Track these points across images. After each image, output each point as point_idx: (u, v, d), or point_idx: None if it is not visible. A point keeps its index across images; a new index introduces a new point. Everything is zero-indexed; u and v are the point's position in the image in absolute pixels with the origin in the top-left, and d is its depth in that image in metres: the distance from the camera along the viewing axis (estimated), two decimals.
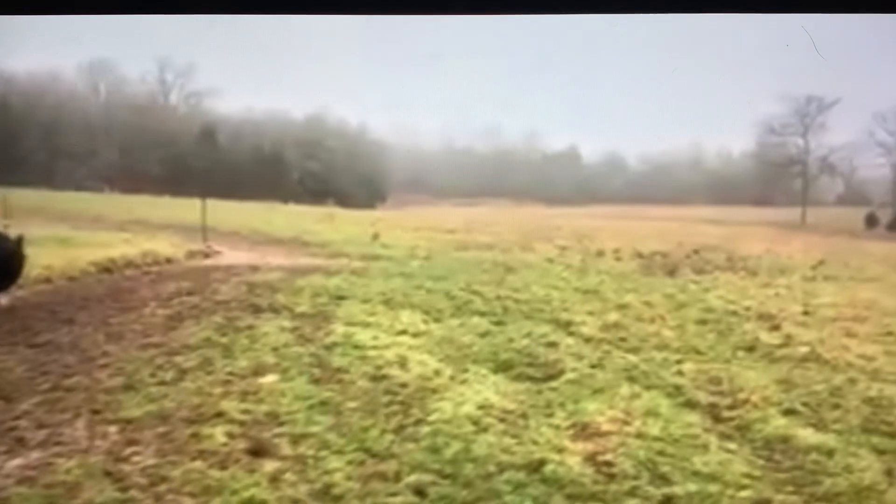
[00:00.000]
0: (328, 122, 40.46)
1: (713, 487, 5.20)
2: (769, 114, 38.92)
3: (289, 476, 5.22)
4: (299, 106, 39.81)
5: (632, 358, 8.79)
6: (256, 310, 10.39)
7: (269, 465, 5.37)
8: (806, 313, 11.65)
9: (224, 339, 8.77)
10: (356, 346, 8.58)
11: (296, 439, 5.87)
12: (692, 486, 5.18)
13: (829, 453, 5.96)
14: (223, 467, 5.37)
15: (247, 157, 36.63)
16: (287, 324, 9.64)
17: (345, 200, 35.62)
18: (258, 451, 5.63)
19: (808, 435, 6.37)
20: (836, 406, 7.26)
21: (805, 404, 7.28)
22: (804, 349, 9.36)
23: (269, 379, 7.37)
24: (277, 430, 6.08)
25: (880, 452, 6.05)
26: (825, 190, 42.11)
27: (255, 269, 14.19)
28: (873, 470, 5.60)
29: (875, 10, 2.75)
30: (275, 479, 5.19)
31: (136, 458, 5.50)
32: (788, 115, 38.48)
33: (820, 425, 6.73)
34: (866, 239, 30.68)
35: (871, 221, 36.22)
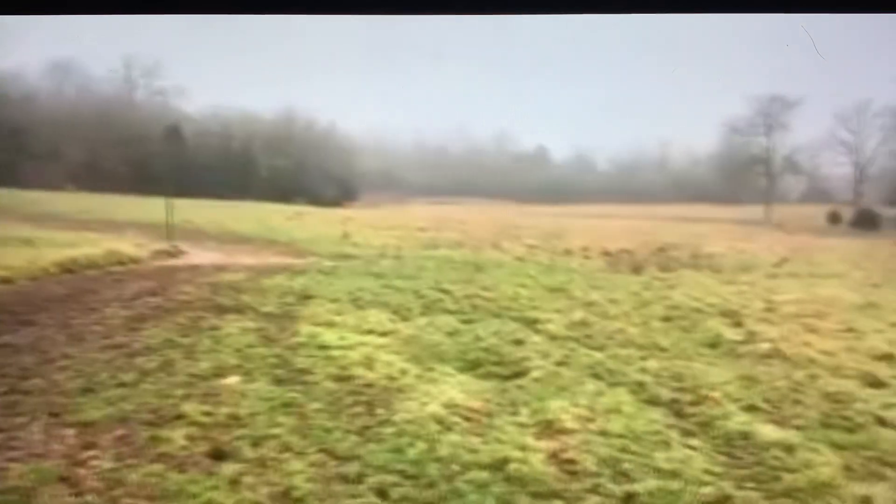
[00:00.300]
0: (297, 120, 40.18)
1: (674, 484, 5.24)
2: (733, 114, 39.49)
3: (249, 479, 5.16)
4: (268, 104, 39.50)
5: (597, 355, 8.85)
6: (220, 310, 10.28)
7: (229, 468, 5.30)
8: (768, 310, 11.82)
9: (186, 341, 8.66)
10: (321, 347, 8.52)
11: (257, 441, 5.80)
12: (653, 483, 5.22)
13: (790, 449, 6.02)
14: (182, 470, 5.29)
15: (214, 156, 36.19)
16: (251, 324, 9.54)
17: (315, 199, 35.34)
18: (218, 454, 5.55)
19: (768, 431, 6.44)
20: (797, 402, 7.36)
21: (766, 400, 7.37)
22: (766, 346, 9.49)
23: (232, 380, 7.28)
24: (238, 432, 6.00)
25: (839, 448, 6.13)
26: (789, 188, 42.78)
27: (220, 268, 14.04)
28: (832, 465, 5.68)
29: (872, 9, 2.76)
30: (234, 482, 5.12)
31: (93, 462, 5.40)
32: (752, 115, 39.06)
33: (781, 421, 6.81)
34: (829, 236, 31.24)
35: (834, 219, 36.88)
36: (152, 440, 5.78)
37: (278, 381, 7.34)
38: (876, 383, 8.00)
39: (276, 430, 6.02)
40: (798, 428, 6.62)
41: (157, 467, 5.31)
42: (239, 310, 10.37)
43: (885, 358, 9.03)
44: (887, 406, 7.19)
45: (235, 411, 6.45)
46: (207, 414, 6.34)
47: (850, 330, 10.54)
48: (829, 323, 10.99)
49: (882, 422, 6.78)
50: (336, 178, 39.41)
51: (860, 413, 7.00)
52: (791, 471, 5.60)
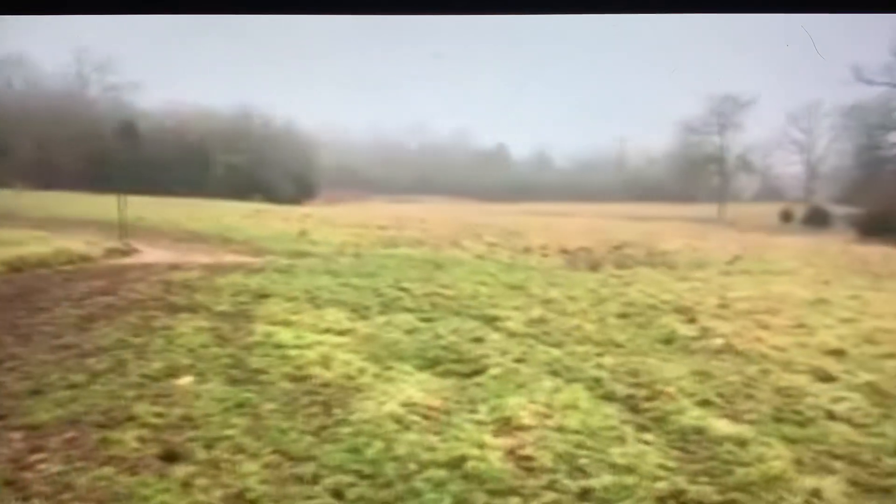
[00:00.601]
0: (254, 116, 39.75)
1: (629, 479, 5.28)
2: (688, 113, 40.25)
3: (201, 481, 5.05)
4: (224, 100, 39.01)
5: (554, 352, 8.90)
6: (173, 309, 10.10)
7: (181, 470, 5.18)
8: (722, 306, 12.02)
9: (138, 341, 8.48)
10: (277, 346, 8.42)
11: (210, 443, 5.68)
12: (609, 479, 5.25)
13: (742, 443, 6.09)
14: (133, 473, 5.16)
15: (170, 153, 35.54)
16: (205, 324, 9.39)
17: (272, 196, 34.99)
18: (170, 456, 5.43)
19: (722, 426, 6.51)
20: (750, 397, 7.47)
21: (720, 395, 7.47)
22: (719, 341, 9.65)
23: (185, 381, 7.13)
24: (191, 433, 5.88)
25: (790, 441, 6.23)
26: (742, 187, 43.77)
27: (174, 267, 13.79)
28: (784, 459, 5.75)
29: (869, 9, 2.76)
30: (186, 484, 5.01)
31: (40, 466, 5.24)
32: (706, 115, 39.88)
33: (733, 416, 6.90)
34: (781, 234, 31.99)
35: (786, 217, 37.81)
36: (102, 442, 5.63)
37: (233, 382, 7.22)
38: (826, 378, 8.16)
39: (229, 432, 5.91)
40: (750, 422, 6.71)
41: (108, 470, 5.17)
42: (192, 309, 10.19)
43: (835, 353, 9.23)
44: (837, 400, 7.32)
45: (188, 412, 6.32)
46: (159, 415, 6.20)
47: (801, 326, 10.76)
48: (780, 319, 11.21)
49: (832, 416, 6.91)
50: (294, 176, 39.07)
51: (811, 407, 7.12)
52: (743, 465, 5.67)
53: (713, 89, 38.95)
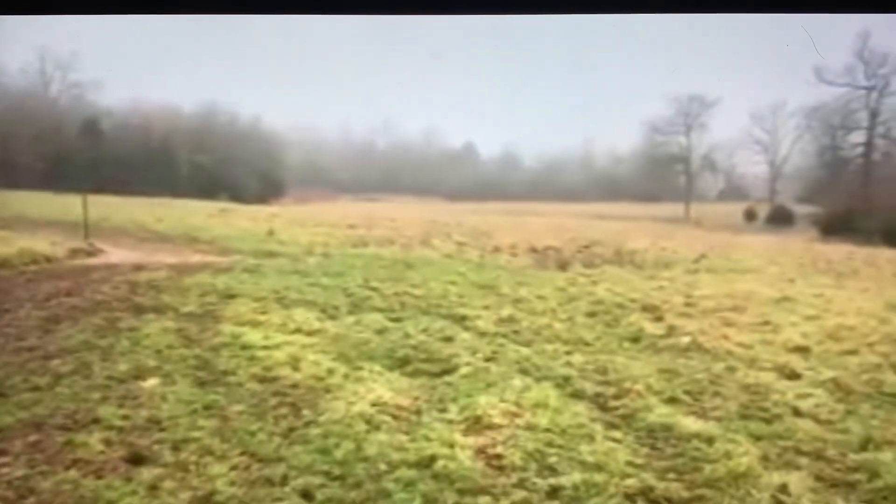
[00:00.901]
0: (219, 114, 39.28)
1: (599, 477, 5.30)
2: (654, 113, 40.72)
3: (168, 484, 4.97)
4: (189, 97, 38.51)
5: (524, 350, 8.93)
6: (139, 310, 9.97)
7: (148, 473, 5.10)
8: (688, 304, 12.17)
9: (103, 342, 8.34)
10: (245, 347, 8.33)
11: (177, 445, 5.60)
12: (578, 477, 5.27)
13: (710, 440, 6.13)
14: (99, 476, 5.06)
15: (134, 151, 34.95)
16: (171, 324, 9.27)
17: (238, 195, 34.59)
18: (136, 459, 5.34)
19: (689, 423, 6.57)
20: (716, 394, 7.56)
21: (687, 392, 7.55)
22: (686, 339, 9.77)
23: (151, 383, 7.03)
24: (158, 435, 5.79)
25: (757, 438, 6.29)
26: (707, 186, 44.38)
27: (139, 267, 13.60)
28: (750, 455, 5.80)
29: (867, 10, 2.77)
30: (154, 487, 4.93)
31: (3, 470, 5.11)
32: (672, 115, 40.37)
33: (701, 413, 6.97)
34: (745, 233, 32.51)
35: (750, 216, 38.44)
36: (67, 445, 5.51)
37: (200, 383, 7.13)
38: (791, 375, 8.28)
39: (197, 433, 5.83)
40: (717, 419, 6.78)
41: (73, 474, 5.06)
42: (158, 310, 10.07)
43: (800, 350, 9.39)
44: (802, 396, 7.44)
45: (155, 414, 6.22)
46: (125, 417, 6.10)
47: (766, 323, 10.93)
48: (746, 317, 11.38)
49: (797, 412, 7.01)
50: (261, 174, 38.68)
51: (777, 404, 7.21)
52: (711, 461, 5.71)
53: (679, 90, 39.44)
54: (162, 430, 5.92)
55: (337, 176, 43.89)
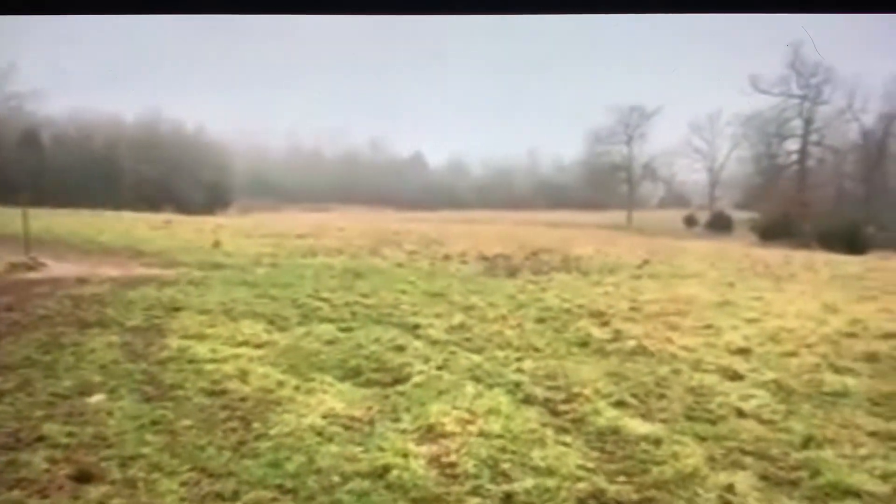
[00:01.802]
0: (163, 124, 38.52)
1: (551, 482, 5.37)
2: (597, 123, 41.52)
3: (116, 501, 4.86)
4: (132, 107, 37.68)
5: (476, 358, 8.98)
6: (83, 325, 9.71)
7: (95, 491, 4.97)
8: (633, 309, 12.42)
9: (47, 358, 8.10)
10: (192, 361, 8.18)
11: (125, 462, 5.47)
12: (531, 482, 5.33)
13: (657, 442, 6.27)
14: (44, 496, 4.92)
15: (75, 162, 34.05)
16: (116, 339, 9.05)
17: (183, 206, 33.95)
18: (83, 476, 5.19)
19: (636, 425, 6.70)
20: (662, 396, 7.72)
21: (634, 395, 7.69)
22: (632, 343, 9.96)
23: (96, 399, 6.85)
24: (105, 452, 5.65)
25: (702, 439, 6.44)
26: (649, 194, 45.40)
27: (83, 281, 13.23)
28: (697, 456, 5.94)
29: (867, 10, 2.80)
30: None
31: None
32: (613, 125, 41.24)
33: (647, 415, 7.11)
34: (686, 239, 33.29)
35: (690, 222, 39.44)
36: (11, 465, 5.33)
37: (146, 398, 6.97)
38: (734, 376, 8.50)
39: (145, 450, 5.71)
40: (664, 421, 6.93)
41: (17, 494, 4.90)
42: (103, 324, 9.83)
43: (742, 352, 9.66)
44: (745, 398, 7.63)
45: (101, 431, 6.07)
46: (71, 435, 5.92)
47: (708, 326, 11.21)
48: (688, 320, 11.66)
49: (741, 413, 7.20)
50: (206, 185, 38.02)
51: (721, 405, 7.39)
52: (659, 463, 5.84)
53: (620, 100, 40.30)
54: (109, 446, 5.77)
55: (284, 186, 43.41)
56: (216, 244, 20.53)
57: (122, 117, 37.81)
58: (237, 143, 41.86)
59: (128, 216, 28.78)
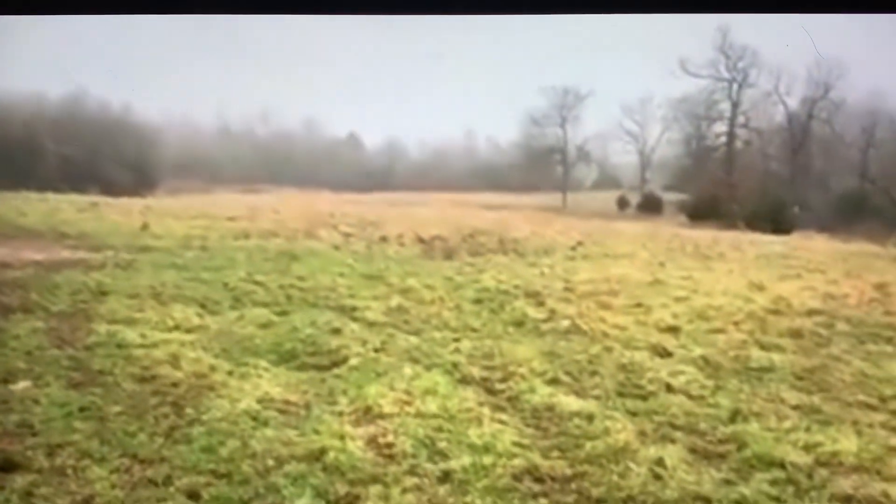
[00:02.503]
0: (87, 103, 37.04)
1: (487, 459, 5.44)
2: (531, 106, 41.79)
3: (44, 490, 4.73)
4: (54, 84, 36.08)
5: (413, 339, 9.01)
6: (6, 310, 9.39)
7: (22, 480, 4.82)
8: (567, 290, 12.63)
9: None
10: (121, 346, 8.00)
11: (52, 450, 5.32)
12: (467, 460, 5.39)
13: (589, 418, 6.40)
14: None
15: None
16: (41, 324, 8.79)
17: (109, 188, 32.73)
18: (9, 465, 5.04)
19: (570, 402, 6.84)
20: (594, 373, 7.89)
21: (567, 373, 7.84)
22: (566, 322, 10.14)
23: (22, 385, 6.64)
24: (31, 440, 5.49)
25: (633, 415, 6.62)
26: (583, 176, 46.01)
27: (5, 265, 12.71)
28: (627, 431, 6.08)
29: (868, 10, 2.82)
30: (28, 493, 4.67)
31: None
32: (548, 107, 41.57)
33: (580, 392, 7.26)
34: (619, 220, 33.98)
35: (623, 204, 40.21)
36: None
37: (74, 385, 6.79)
38: (664, 353, 8.74)
39: (73, 437, 5.56)
40: (596, 398, 7.08)
41: None
42: (27, 309, 9.51)
43: (671, 330, 9.93)
44: (674, 374, 7.84)
45: (27, 418, 5.90)
46: None
47: (639, 305, 11.48)
48: (620, 299, 11.92)
49: (670, 388, 7.40)
50: (132, 166, 36.74)
51: (651, 381, 7.58)
52: (591, 438, 5.96)
53: (554, 82, 40.63)
54: (35, 434, 5.61)
55: (214, 167, 42.32)
56: (144, 227, 19.96)
57: (45, 96, 36.17)
58: (164, 124, 40.57)
59: (51, 198, 27.67)
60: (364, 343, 8.68)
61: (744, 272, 15.33)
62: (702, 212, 33.69)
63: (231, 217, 23.69)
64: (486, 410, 6.52)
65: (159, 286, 11.28)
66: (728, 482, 5.23)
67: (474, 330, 9.72)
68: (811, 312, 11.17)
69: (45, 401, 6.31)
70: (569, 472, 5.37)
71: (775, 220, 30.03)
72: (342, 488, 4.95)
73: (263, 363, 7.79)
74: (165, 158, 40.35)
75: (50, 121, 35.15)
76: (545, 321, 10.29)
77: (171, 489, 4.83)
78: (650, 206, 38.83)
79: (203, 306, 10.24)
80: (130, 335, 8.42)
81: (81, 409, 6.15)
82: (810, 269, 16.16)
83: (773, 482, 5.21)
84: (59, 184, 31.80)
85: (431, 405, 6.49)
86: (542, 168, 43.99)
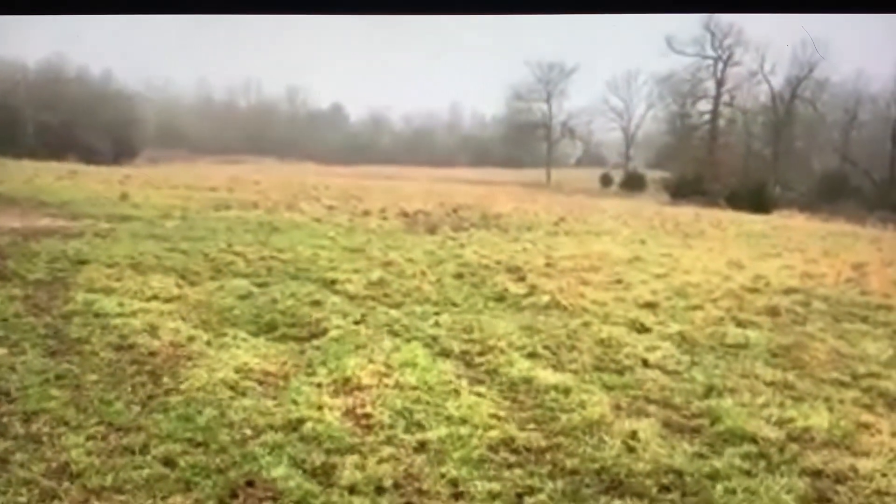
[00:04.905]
0: (66, 70, 36.39)
1: (464, 430, 5.47)
2: (516, 80, 41.62)
3: (19, 456, 4.72)
4: (34, 51, 35.40)
5: (394, 313, 9.01)
6: None
7: None
8: (548, 265, 12.68)
9: None
10: (98, 315, 7.94)
11: (28, 417, 5.31)
12: (444, 430, 5.43)
13: (566, 391, 6.44)
14: None
15: None
16: (18, 292, 8.74)
17: (89, 156, 32.32)
18: None
19: (547, 375, 6.87)
20: (573, 348, 7.92)
21: (546, 347, 7.86)
22: (546, 297, 10.18)
23: None
24: (7, 407, 5.48)
25: (609, 388, 6.66)
26: (567, 152, 46.09)
27: None
28: (603, 404, 6.13)
29: (868, 9, 2.79)
30: (4, 460, 4.66)
31: None
32: (533, 82, 41.43)
33: (558, 366, 7.29)
34: (601, 197, 34.10)
35: (606, 181, 40.34)
36: None
37: (51, 352, 6.76)
38: (641, 329, 8.80)
39: (49, 404, 5.54)
40: (574, 372, 7.13)
41: None
42: (4, 276, 9.46)
43: (649, 306, 10.00)
44: (651, 349, 7.89)
45: (3, 385, 5.88)
46: None
47: (618, 281, 11.56)
48: (600, 276, 11.99)
49: (646, 363, 7.45)
50: (113, 134, 36.27)
51: (628, 356, 7.62)
52: (567, 411, 6.01)
53: (540, 57, 40.45)
54: (11, 401, 5.60)
55: (195, 137, 41.89)
56: (124, 196, 19.78)
57: (24, 63, 35.53)
58: (145, 92, 40.02)
59: (29, 165, 27.31)
60: (344, 315, 8.67)
61: (724, 250, 15.47)
62: (684, 190, 33.88)
63: (212, 187, 23.54)
64: (464, 383, 6.55)
65: (138, 255, 11.20)
66: (701, 456, 5.29)
67: (455, 304, 9.74)
68: (788, 291, 11.30)
69: (21, 368, 6.29)
70: (544, 443, 5.41)
71: (756, 199, 30.30)
72: (318, 458, 4.96)
73: (242, 334, 7.77)
74: (146, 127, 39.88)
75: (29, 88, 34.57)
76: (525, 296, 10.32)
77: (148, 457, 4.82)
78: (633, 184, 38.99)
79: (182, 276, 10.18)
80: (108, 304, 8.36)
81: (58, 377, 6.12)
82: (790, 248, 16.34)
83: (745, 456, 5.28)
84: (37, 150, 31.37)
85: (410, 377, 6.51)
86: (526, 143, 43.95)
